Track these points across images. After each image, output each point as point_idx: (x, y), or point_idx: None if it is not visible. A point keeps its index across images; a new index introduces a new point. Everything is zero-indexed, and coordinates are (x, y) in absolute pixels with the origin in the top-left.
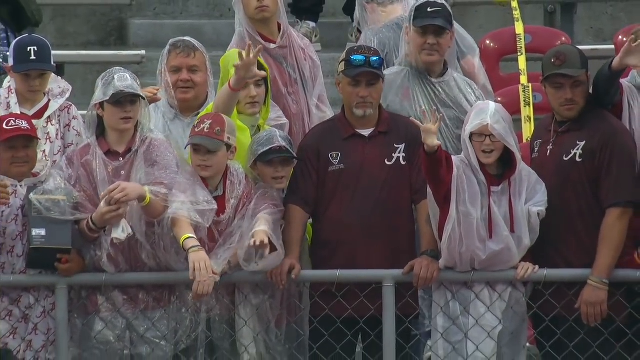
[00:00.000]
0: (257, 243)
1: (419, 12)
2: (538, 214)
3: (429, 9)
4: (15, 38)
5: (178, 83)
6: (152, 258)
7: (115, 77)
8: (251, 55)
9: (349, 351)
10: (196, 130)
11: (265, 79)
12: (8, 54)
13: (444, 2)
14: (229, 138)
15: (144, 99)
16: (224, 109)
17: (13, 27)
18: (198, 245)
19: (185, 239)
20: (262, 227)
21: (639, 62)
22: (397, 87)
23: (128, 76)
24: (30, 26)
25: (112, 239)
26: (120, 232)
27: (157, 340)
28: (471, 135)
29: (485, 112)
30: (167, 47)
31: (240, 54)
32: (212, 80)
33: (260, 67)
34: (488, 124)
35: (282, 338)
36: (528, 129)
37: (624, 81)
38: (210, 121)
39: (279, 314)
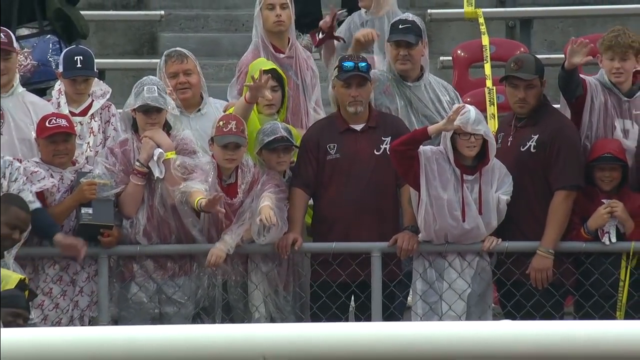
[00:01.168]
0: (263, 219)
1: (393, 28)
2: (505, 200)
3: (400, 26)
4: (67, 48)
5: (177, 86)
6: (178, 232)
7: (145, 89)
8: (262, 81)
9: (343, 310)
10: (224, 130)
11: (282, 86)
12: (59, 61)
13: (414, 19)
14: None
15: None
16: (242, 116)
17: (65, 39)
18: (207, 199)
19: (199, 200)
20: (266, 203)
21: (582, 60)
22: (381, 84)
23: (156, 89)
24: (79, 38)
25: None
26: (158, 173)
27: (182, 301)
28: (456, 134)
29: (468, 116)
30: (163, 57)
31: (252, 77)
32: (204, 81)
33: (279, 75)
34: (470, 125)
35: (289, 299)
36: (493, 125)
37: (590, 78)
38: (235, 122)
39: (285, 279)
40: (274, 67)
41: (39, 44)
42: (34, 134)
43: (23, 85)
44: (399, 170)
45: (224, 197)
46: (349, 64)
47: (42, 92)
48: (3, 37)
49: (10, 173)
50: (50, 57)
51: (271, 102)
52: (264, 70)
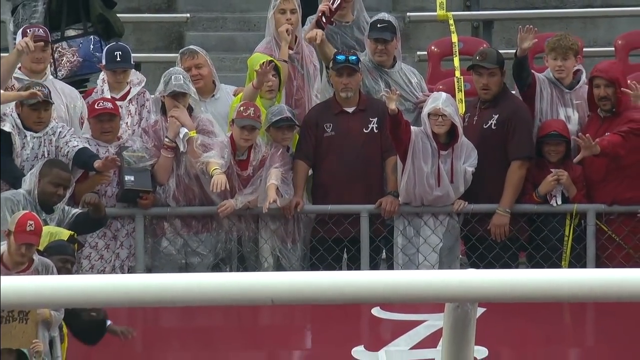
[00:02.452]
0: (271, 201)
1: (372, 27)
2: (471, 171)
3: (379, 25)
4: (106, 45)
5: (191, 78)
6: (200, 196)
7: (172, 77)
8: (267, 69)
9: (337, 261)
10: (244, 114)
11: (278, 74)
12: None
13: (390, 19)
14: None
15: (192, 95)
16: (250, 99)
17: (105, 37)
18: (220, 170)
19: (214, 169)
20: (272, 181)
21: (530, 44)
22: (366, 70)
23: (181, 77)
24: (116, 37)
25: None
26: (182, 148)
27: (204, 253)
28: (429, 114)
29: (439, 100)
30: (179, 55)
31: (260, 64)
32: (215, 71)
33: (276, 65)
34: (440, 107)
35: (294, 252)
36: (461, 108)
37: (539, 74)
38: (253, 108)
39: (291, 235)
40: (271, 59)
41: (83, 43)
42: (65, 114)
43: (70, 77)
44: (395, 145)
45: (236, 169)
46: (341, 57)
47: (82, 83)
48: (42, 32)
49: (60, 131)
50: (93, 54)
51: (271, 87)
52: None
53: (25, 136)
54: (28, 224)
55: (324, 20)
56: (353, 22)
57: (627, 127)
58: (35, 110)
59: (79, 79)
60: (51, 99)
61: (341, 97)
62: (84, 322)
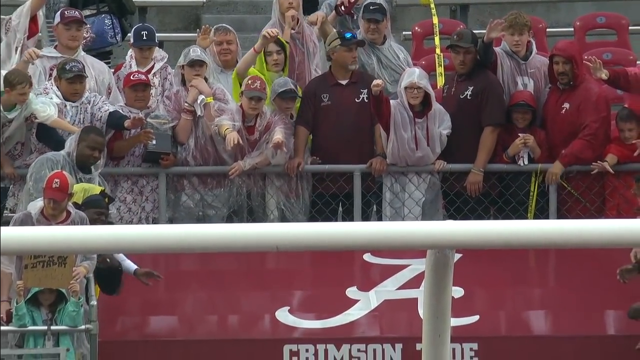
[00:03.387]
0: (278, 142)
1: (365, 9)
2: (446, 134)
3: (371, 7)
4: (119, 23)
5: (221, 50)
6: (215, 156)
7: (191, 50)
8: (271, 37)
9: (334, 213)
10: (251, 87)
11: (284, 50)
12: (128, 35)
13: (380, 2)
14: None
15: (208, 64)
16: (249, 61)
17: (118, 14)
18: (231, 129)
19: (226, 129)
20: (278, 135)
21: (497, 35)
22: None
23: (199, 50)
24: (128, 14)
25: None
26: (200, 112)
27: (219, 206)
28: (405, 88)
29: (414, 75)
30: (213, 29)
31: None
32: (241, 50)
33: (282, 43)
34: (416, 81)
35: (296, 205)
36: (440, 81)
37: (497, 48)
38: (259, 82)
39: (293, 191)
40: (278, 36)
41: (96, 21)
42: (94, 84)
43: (86, 51)
44: (379, 119)
45: (244, 133)
46: (349, 35)
47: (107, 56)
48: (77, 14)
49: (93, 100)
50: (104, 30)
51: (277, 61)
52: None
53: (65, 106)
54: (54, 182)
55: (343, 10)
56: None
57: (588, 131)
58: (72, 83)
59: (103, 52)
60: (85, 72)
61: (340, 71)
62: (100, 269)
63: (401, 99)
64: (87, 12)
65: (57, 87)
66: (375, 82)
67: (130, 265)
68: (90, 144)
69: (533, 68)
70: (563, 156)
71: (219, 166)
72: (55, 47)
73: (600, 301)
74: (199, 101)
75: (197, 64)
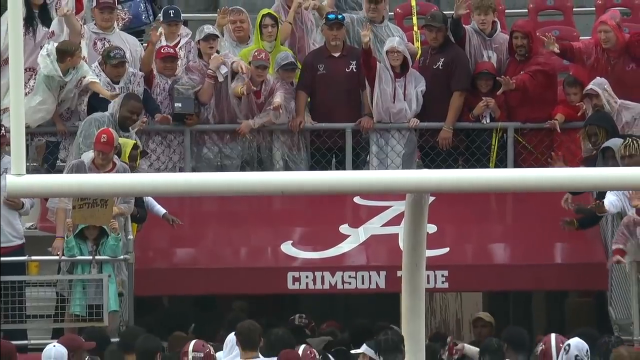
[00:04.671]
0: (277, 105)
1: None
2: (420, 92)
3: None
4: (151, 7)
5: (235, 28)
6: (230, 114)
7: (205, 27)
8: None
9: (328, 163)
10: (258, 57)
11: (277, 24)
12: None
13: None
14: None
15: (220, 37)
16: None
17: (150, 0)
18: (242, 86)
19: (240, 88)
20: (277, 99)
21: (464, 12)
22: (359, 24)
23: (211, 27)
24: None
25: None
26: (220, 78)
27: (234, 157)
28: (387, 52)
29: (394, 41)
30: (229, 11)
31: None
32: (252, 27)
33: (275, 17)
34: (395, 46)
35: (298, 157)
36: (418, 54)
37: (467, 26)
38: (264, 53)
39: (295, 145)
40: (271, 11)
41: (132, 4)
42: (129, 56)
43: (124, 29)
44: (366, 72)
45: (252, 96)
46: (331, 16)
47: (140, 34)
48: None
49: (132, 79)
50: (139, 12)
51: (271, 34)
52: (265, 14)
53: (113, 88)
54: (102, 137)
55: None
56: None
57: (534, 68)
58: (116, 67)
59: (137, 30)
60: (126, 58)
61: (331, 45)
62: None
63: (384, 62)
64: None
65: (103, 70)
66: (362, 33)
67: (160, 209)
68: (130, 108)
69: (497, 43)
70: (521, 115)
71: (234, 124)
72: (95, 24)
73: (548, 236)
74: (222, 72)
75: (211, 38)
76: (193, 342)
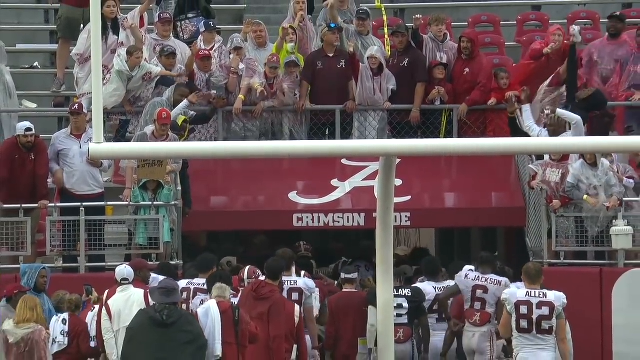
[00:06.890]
0: (256, 86)
1: (358, 13)
2: (392, 88)
3: (360, 12)
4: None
5: (256, 36)
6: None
7: (235, 38)
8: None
9: (323, 134)
10: (271, 60)
11: (296, 32)
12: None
13: (366, 9)
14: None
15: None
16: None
17: (206, 17)
18: (260, 84)
19: (258, 84)
20: (255, 80)
21: (418, 24)
22: (353, 35)
23: (239, 37)
24: (212, 18)
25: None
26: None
27: (254, 130)
28: (368, 58)
29: (373, 49)
30: (252, 22)
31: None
32: (267, 35)
33: (294, 29)
34: (374, 54)
35: (301, 128)
36: (388, 55)
37: (425, 35)
38: (276, 57)
39: (299, 120)
40: (292, 25)
41: (196, 20)
42: (181, 58)
43: (190, 39)
44: (353, 72)
45: (267, 86)
46: (333, 25)
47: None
48: (168, 16)
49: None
50: (200, 28)
51: (292, 39)
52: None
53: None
54: (163, 114)
55: None
56: (348, 10)
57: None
58: (168, 58)
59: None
60: (176, 52)
61: (328, 47)
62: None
63: (366, 64)
64: (192, 15)
65: (159, 62)
66: (348, 43)
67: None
68: (180, 93)
69: (447, 48)
70: (467, 100)
71: (253, 106)
72: (157, 34)
73: (486, 186)
74: (240, 67)
75: (238, 48)
76: (247, 268)
